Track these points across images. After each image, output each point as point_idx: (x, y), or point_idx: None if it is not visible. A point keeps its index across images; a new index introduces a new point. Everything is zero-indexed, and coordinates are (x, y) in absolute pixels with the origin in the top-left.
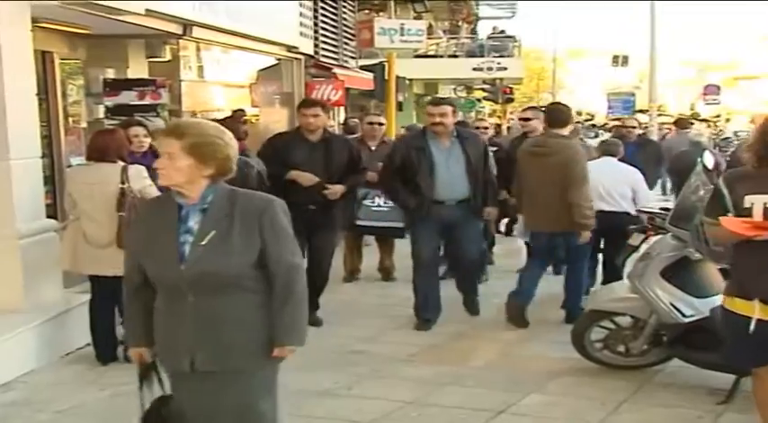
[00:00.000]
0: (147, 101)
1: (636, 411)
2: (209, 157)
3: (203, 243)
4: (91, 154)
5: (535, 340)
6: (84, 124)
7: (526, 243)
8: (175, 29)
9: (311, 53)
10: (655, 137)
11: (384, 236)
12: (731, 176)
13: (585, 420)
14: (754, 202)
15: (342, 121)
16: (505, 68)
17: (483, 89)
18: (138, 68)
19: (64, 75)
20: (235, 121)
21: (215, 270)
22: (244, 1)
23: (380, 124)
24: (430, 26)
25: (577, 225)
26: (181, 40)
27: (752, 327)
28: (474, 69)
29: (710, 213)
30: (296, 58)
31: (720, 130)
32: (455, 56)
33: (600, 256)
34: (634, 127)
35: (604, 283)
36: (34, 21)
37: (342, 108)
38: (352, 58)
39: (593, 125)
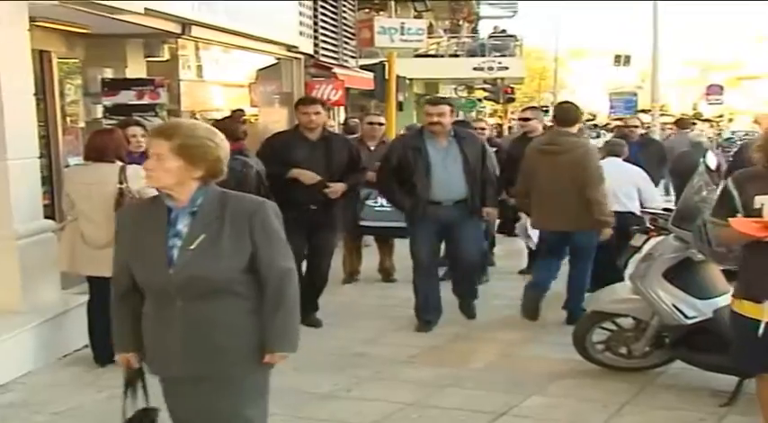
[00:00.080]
0: (146, 100)
1: (638, 414)
2: (199, 159)
3: (192, 247)
4: (89, 154)
5: (536, 342)
6: (82, 124)
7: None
8: (174, 28)
9: (311, 53)
10: (657, 137)
11: (388, 236)
12: (741, 177)
13: None
14: (765, 202)
15: (342, 121)
16: (507, 68)
17: (484, 89)
18: (136, 68)
19: (62, 74)
20: (234, 120)
21: (204, 275)
22: (243, 0)
23: (380, 124)
24: (430, 25)
25: (598, 223)
26: (180, 40)
27: (761, 330)
28: (475, 69)
29: (719, 214)
30: (295, 58)
31: (721, 131)
32: (456, 55)
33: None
34: (636, 126)
35: (605, 284)
36: (32, 20)
37: (342, 108)
38: (353, 57)
39: (596, 125)
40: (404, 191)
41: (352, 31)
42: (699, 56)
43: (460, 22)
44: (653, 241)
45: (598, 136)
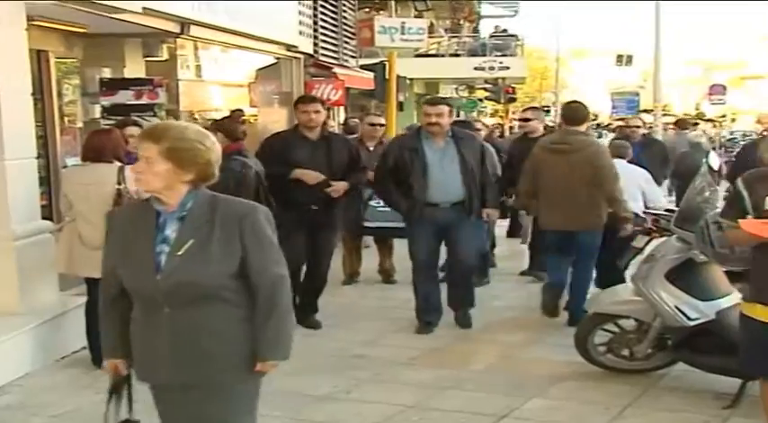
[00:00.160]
0: (144, 100)
1: (640, 416)
2: (188, 162)
3: (180, 253)
4: (87, 154)
5: (537, 344)
6: (79, 124)
7: (530, 244)
8: (173, 27)
9: (311, 52)
10: (660, 137)
11: (392, 237)
12: (751, 177)
13: None
14: None
15: (342, 122)
16: (508, 68)
17: (485, 89)
18: (134, 68)
19: (59, 74)
20: (233, 121)
21: (192, 281)
22: (242, 0)
23: (381, 125)
24: (431, 25)
25: (621, 219)
26: (178, 39)
27: None
28: (476, 69)
29: (729, 215)
30: (295, 58)
31: (720, 130)
32: (457, 55)
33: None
34: (638, 126)
35: (607, 285)
36: (29, 19)
37: (341, 108)
38: (353, 57)
39: (598, 125)
40: (401, 192)
41: (352, 30)
42: (701, 55)
43: (461, 22)
44: (655, 242)
45: (600, 136)
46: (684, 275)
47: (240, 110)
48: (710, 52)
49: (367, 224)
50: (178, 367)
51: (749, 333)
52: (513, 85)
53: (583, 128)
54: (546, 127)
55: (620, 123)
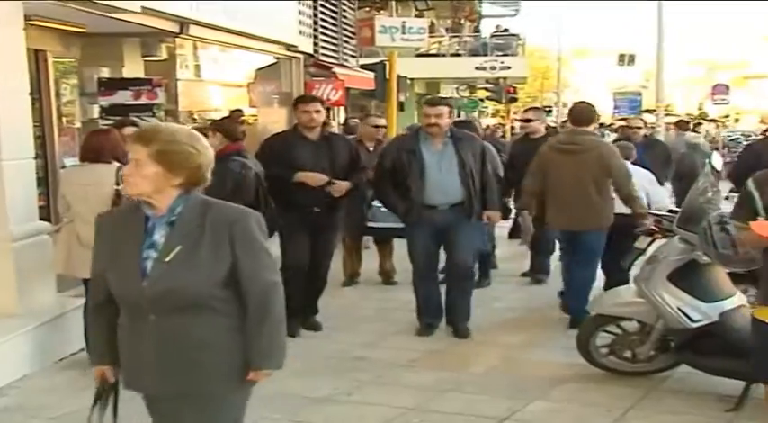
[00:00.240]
0: (143, 101)
1: (643, 418)
2: (178, 166)
3: (167, 259)
4: (85, 155)
5: (538, 345)
6: (78, 124)
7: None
8: (172, 27)
9: (310, 52)
10: (662, 137)
11: (395, 237)
12: (762, 178)
13: None
14: None
15: (342, 122)
16: (509, 68)
17: (486, 89)
18: (133, 67)
19: (57, 74)
20: (232, 121)
21: (178, 288)
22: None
23: (384, 127)
24: (432, 24)
25: (638, 216)
26: (177, 39)
27: None
28: (477, 68)
29: (739, 216)
30: (295, 57)
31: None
32: (458, 55)
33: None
34: (639, 127)
35: (609, 286)
36: (27, 19)
37: (342, 108)
38: (353, 56)
39: (600, 125)
40: (398, 194)
41: (352, 29)
42: (704, 55)
43: (462, 21)
44: (658, 243)
45: (602, 135)
46: (687, 277)
47: (239, 110)
48: (713, 52)
49: (370, 225)
50: (163, 376)
51: (761, 337)
52: (514, 85)
53: (591, 128)
54: (548, 127)
55: (623, 123)
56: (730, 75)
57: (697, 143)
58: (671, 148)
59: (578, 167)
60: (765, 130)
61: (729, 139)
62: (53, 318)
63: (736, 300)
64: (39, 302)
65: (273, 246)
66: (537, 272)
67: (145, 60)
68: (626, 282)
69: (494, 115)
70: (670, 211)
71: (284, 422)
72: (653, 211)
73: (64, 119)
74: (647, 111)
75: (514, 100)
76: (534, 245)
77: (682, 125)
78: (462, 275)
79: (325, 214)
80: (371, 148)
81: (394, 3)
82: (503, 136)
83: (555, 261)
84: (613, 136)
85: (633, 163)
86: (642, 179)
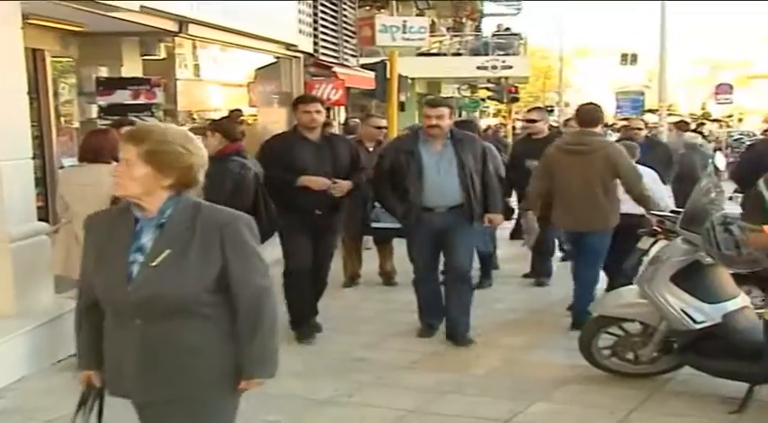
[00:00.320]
0: (142, 100)
1: (646, 420)
2: (168, 166)
3: (154, 264)
4: (84, 155)
5: (540, 347)
6: (76, 124)
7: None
8: (171, 26)
9: (311, 51)
10: (665, 137)
11: (398, 237)
12: None
13: None
14: None
15: (342, 122)
16: (510, 67)
17: (487, 88)
18: (132, 67)
19: (56, 73)
20: (232, 121)
21: (164, 294)
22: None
23: (385, 128)
24: (433, 23)
25: (651, 215)
26: (176, 38)
27: None
28: (478, 68)
29: (751, 218)
30: (295, 57)
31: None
32: (459, 54)
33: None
34: (640, 128)
35: (611, 287)
36: (25, 17)
37: (342, 108)
38: (353, 56)
39: (605, 124)
40: (397, 196)
41: (352, 29)
42: (707, 54)
43: (463, 20)
44: (660, 244)
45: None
46: (690, 278)
47: (239, 110)
48: (716, 51)
49: (373, 225)
50: (147, 383)
51: None
52: (515, 85)
53: (598, 129)
54: (551, 127)
55: (625, 123)
56: (734, 74)
57: (695, 143)
58: (672, 149)
59: (585, 168)
60: (766, 130)
61: (733, 138)
62: (51, 319)
63: (740, 301)
64: (36, 303)
65: (274, 246)
66: (539, 275)
67: (143, 60)
68: (629, 283)
69: (495, 115)
70: (673, 211)
71: None
72: (656, 212)
73: (62, 118)
74: (650, 110)
75: (516, 100)
76: (537, 247)
77: (682, 126)
78: (459, 279)
79: (327, 216)
80: (371, 149)
81: (395, 2)
82: (504, 136)
83: (555, 262)
84: (616, 136)
85: (637, 162)
86: (647, 178)
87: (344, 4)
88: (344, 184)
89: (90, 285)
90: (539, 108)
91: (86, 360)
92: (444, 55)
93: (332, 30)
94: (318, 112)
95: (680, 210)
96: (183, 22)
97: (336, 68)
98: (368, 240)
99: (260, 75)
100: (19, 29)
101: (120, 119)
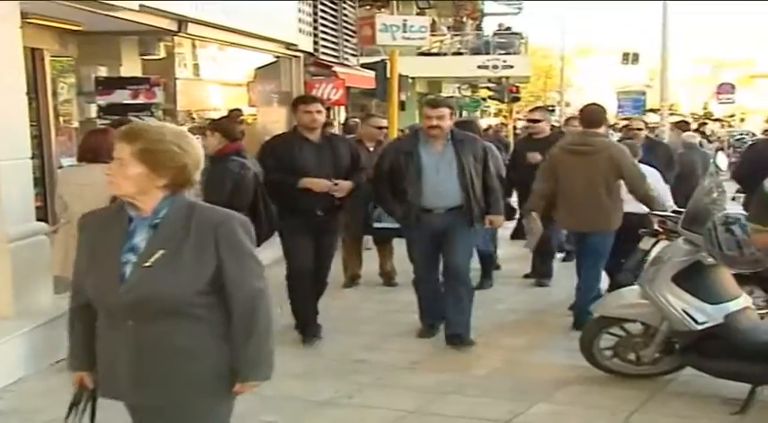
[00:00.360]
0: (141, 100)
1: (647, 421)
2: (163, 166)
3: (147, 264)
4: (83, 155)
5: (542, 348)
6: (75, 124)
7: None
8: (170, 25)
9: (311, 51)
10: (666, 137)
11: (399, 237)
12: None
13: None
14: None
15: (342, 121)
16: (511, 66)
17: (488, 88)
18: (131, 66)
19: (54, 73)
20: (231, 120)
21: (157, 295)
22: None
23: (386, 128)
24: (433, 22)
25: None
26: (176, 37)
27: None
28: (479, 67)
29: (759, 219)
30: (295, 56)
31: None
32: (459, 53)
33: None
34: (640, 129)
35: (613, 288)
36: (24, 16)
37: (342, 107)
38: (353, 55)
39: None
40: (396, 197)
41: (352, 28)
42: (710, 53)
43: (464, 20)
44: (662, 244)
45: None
46: (692, 278)
47: (238, 109)
48: (718, 50)
49: (376, 225)
50: (139, 385)
51: None
52: (516, 84)
53: (602, 130)
54: (552, 127)
55: (626, 123)
56: (736, 73)
57: (693, 143)
58: (672, 149)
59: (589, 169)
60: (767, 130)
61: (735, 138)
62: (49, 320)
63: (742, 301)
64: (35, 304)
65: (274, 247)
66: (540, 275)
67: (143, 59)
68: (630, 283)
69: (496, 115)
70: (674, 211)
71: None
72: (657, 212)
73: (61, 118)
74: (652, 110)
75: (517, 99)
76: (538, 247)
77: (681, 125)
78: (456, 280)
79: (328, 217)
80: (372, 148)
81: (395, 1)
82: (506, 135)
83: (556, 263)
84: (618, 135)
85: (639, 161)
86: (651, 178)
87: (345, 3)
88: (346, 185)
89: (82, 287)
90: (541, 108)
91: (78, 361)
92: (445, 54)
93: (332, 29)
94: (319, 112)
95: (681, 210)
96: (182, 22)
97: (336, 68)
98: (368, 240)
99: (260, 74)
100: (18, 28)
101: (120, 118)
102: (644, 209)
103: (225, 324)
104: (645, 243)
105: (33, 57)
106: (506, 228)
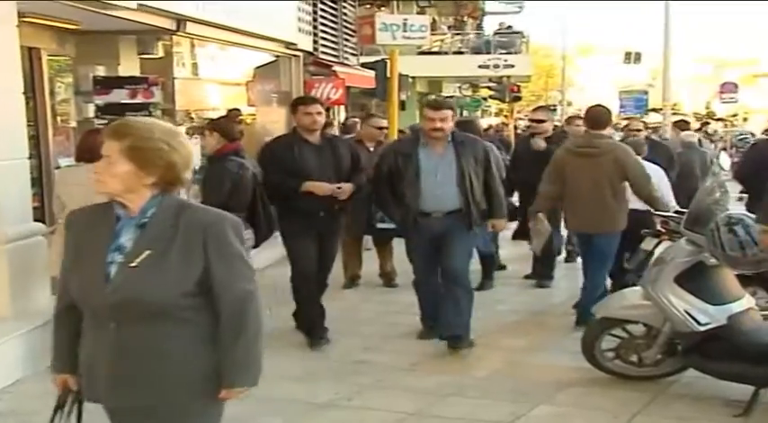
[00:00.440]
0: (139, 99)
1: None
2: (151, 163)
3: (133, 265)
4: (81, 155)
5: (543, 349)
6: (73, 124)
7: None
8: (168, 24)
9: (310, 50)
10: (668, 136)
11: (399, 237)
12: None
13: None
14: None
15: (342, 121)
16: (512, 66)
17: (489, 87)
18: (129, 65)
19: (52, 72)
20: (230, 120)
21: (142, 297)
22: None
23: (386, 128)
24: (434, 22)
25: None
26: (174, 37)
27: None
28: (480, 67)
29: (764, 219)
30: (294, 55)
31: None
32: (460, 53)
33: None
34: (639, 129)
35: (615, 288)
36: (21, 15)
37: (342, 107)
38: (353, 54)
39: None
40: (395, 201)
41: (352, 27)
42: (712, 53)
43: (465, 19)
44: (664, 245)
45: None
46: (695, 279)
47: (237, 109)
48: (721, 50)
49: (378, 225)
50: (116, 388)
51: None
52: (517, 84)
53: (606, 131)
54: (555, 128)
55: (627, 123)
56: (739, 72)
57: (692, 142)
58: (672, 149)
59: (595, 170)
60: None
61: (738, 138)
62: (47, 321)
63: (745, 302)
64: (32, 305)
65: (274, 247)
66: (541, 276)
67: (141, 58)
68: (633, 284)
69: (497, 114)
70: (677, 211)
71: None
72: (660, 212)
73: (59, 118)
74: (654, 109)
75: (518, 99)
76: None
77: (681, 125)
78: (454, 282)
79: (330, 219)
80: (372, 149)
81: (395, 0)
82: (507, 135)
83: (557, 264)
84: (619, 135)
85: (643, 159)
86: (654, 177)
87: (344, 2)
88: (348, 188)
89: (67, 288)
90: (544, 107)
91: (62, 363)
92: (445, 53)
93: (332, 28)
94: (319, 113)
95: (684, 210)
96: (180, 21)
97: (336, 67)
98: (367, 241)
99: (259, 74)
100: (15, 27)
101: (118, 118)
102: (646, 206)
103: (212, 326)
104: (647, 244)
105: (30, 56)
106: (508, 228)
